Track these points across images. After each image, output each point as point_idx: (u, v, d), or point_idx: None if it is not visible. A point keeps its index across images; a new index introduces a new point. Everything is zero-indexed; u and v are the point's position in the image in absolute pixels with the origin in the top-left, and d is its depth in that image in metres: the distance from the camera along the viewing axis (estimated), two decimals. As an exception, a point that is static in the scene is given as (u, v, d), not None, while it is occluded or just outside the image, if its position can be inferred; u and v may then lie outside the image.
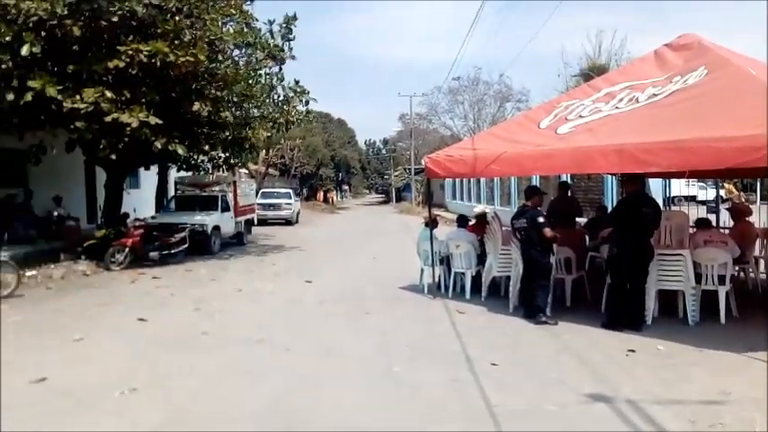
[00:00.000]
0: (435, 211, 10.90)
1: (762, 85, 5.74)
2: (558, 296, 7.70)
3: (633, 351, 5.61)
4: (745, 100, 5.71)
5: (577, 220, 10.02)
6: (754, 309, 7.09)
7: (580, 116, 7.23)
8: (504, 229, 8.23)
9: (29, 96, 9.91)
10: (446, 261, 8.97)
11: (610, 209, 9.19)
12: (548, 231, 7.00)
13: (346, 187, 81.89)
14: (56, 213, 14.65)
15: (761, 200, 15.04)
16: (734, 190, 21.08)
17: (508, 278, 7.96)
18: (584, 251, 8.37)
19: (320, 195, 58.28)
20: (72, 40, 10.43)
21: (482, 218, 9.70)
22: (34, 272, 10.48)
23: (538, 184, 13.55)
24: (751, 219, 9.04)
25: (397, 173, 63.17)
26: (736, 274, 7.74)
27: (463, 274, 8.69)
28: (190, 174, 16.86)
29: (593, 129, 6.82)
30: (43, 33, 10.06)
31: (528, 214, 7.20)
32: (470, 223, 9.58)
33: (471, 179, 29.09)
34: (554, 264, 7.32)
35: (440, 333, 6.56)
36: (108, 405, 4.41)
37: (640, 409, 4.16)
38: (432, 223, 8.87)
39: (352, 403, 4.47)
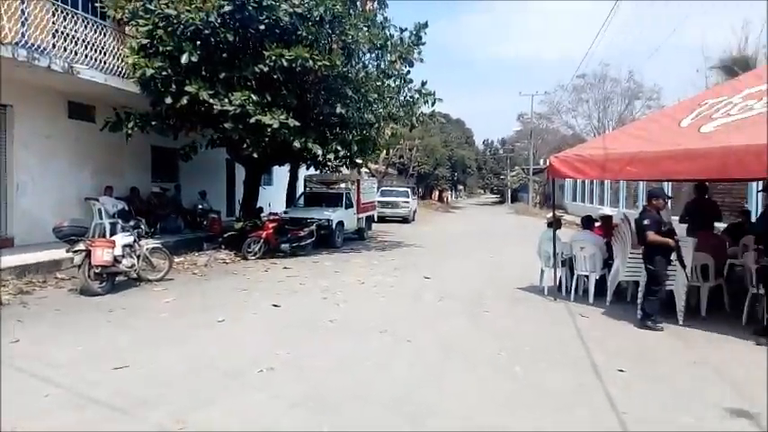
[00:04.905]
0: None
1: None
2: (694, 305, 7.28)
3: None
4: None
5: (716, 224, 9.32)
6: None
7: (728, 114, 6.69)
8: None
9: (185, 100, 11.06)
10: (568, 263, 8.77)
11: (754, 214, 8.45)
12: (651, 235, 6.68)
13: (461, 187, 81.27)
14: (200, 207, 16.09)
15: None
16: None
17: (635, 283, 7.65)
18: (723, 258, 7.74)
19: (435, 194, 58.49)
20: (224, 48, 11.46)
21: (608, 220, 9.36)
22: (182, 258, 11.59)
23: (669, 188, 12.66)
24: None
25: (513, 173, 61.87)
26: None
27: (587, 276, 8.45)
28: (317, 172, 17.78)
29: (741, 127, 6.27)
30: (199, 42, 11.14)
31: (637, 217, 6.96)
32: (596, 225, 9.28)
33: (594, 180, 27.72)
34: (690, 269, 6.93)
35: (561, 336, 6.46)
36: (251, 380, 4.84)
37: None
38: (555, 224, 8.71)
39: (477, 399, 4.52)
